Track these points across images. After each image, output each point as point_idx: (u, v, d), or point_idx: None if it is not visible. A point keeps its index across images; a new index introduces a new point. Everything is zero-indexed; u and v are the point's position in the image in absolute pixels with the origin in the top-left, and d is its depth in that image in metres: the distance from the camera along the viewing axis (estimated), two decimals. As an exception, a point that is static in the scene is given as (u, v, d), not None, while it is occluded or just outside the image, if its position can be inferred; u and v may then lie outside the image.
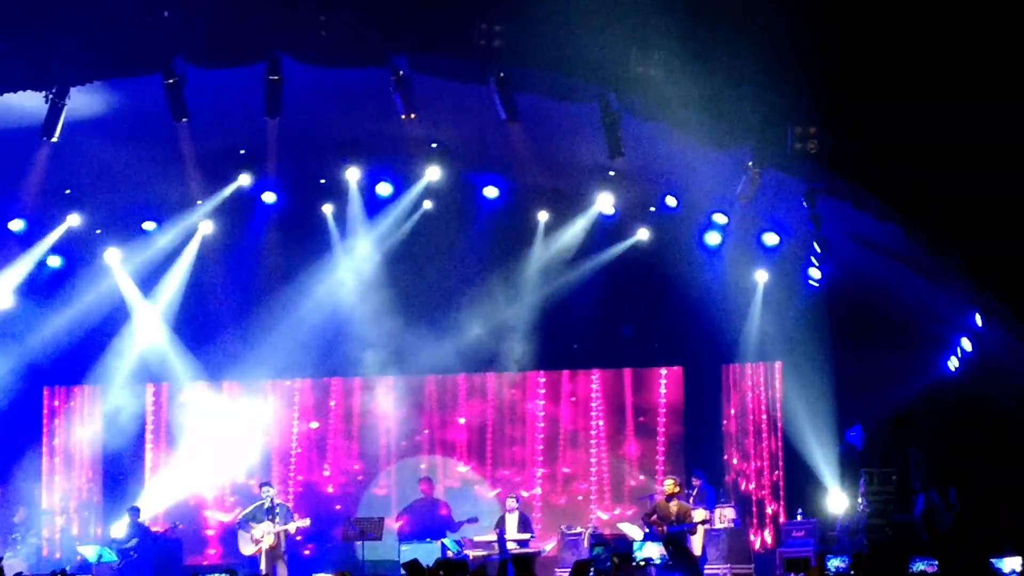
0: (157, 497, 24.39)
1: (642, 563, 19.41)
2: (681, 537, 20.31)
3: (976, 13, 15.97)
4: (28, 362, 23.84)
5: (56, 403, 25.21)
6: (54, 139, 17.27)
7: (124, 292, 23.97)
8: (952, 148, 16.43)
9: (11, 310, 23.34)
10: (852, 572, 12.86)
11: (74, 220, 22.74)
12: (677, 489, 20.79)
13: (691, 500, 21.62)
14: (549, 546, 23.09)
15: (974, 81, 16.18)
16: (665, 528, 20.31)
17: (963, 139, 16.32)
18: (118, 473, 24.78)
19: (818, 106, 16.81)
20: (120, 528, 22.72)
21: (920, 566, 16.35)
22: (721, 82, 16.79)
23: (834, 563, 12.35)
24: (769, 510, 23.99)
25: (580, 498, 24.92)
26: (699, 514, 20.78)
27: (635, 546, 19.71)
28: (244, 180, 21.81)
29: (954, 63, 16.14)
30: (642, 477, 24.76)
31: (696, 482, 22.59)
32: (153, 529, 23.01)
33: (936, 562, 16.02)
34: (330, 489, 25.20)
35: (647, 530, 20.57)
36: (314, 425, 25.31)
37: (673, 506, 20.53)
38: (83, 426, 24.94)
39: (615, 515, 24.36)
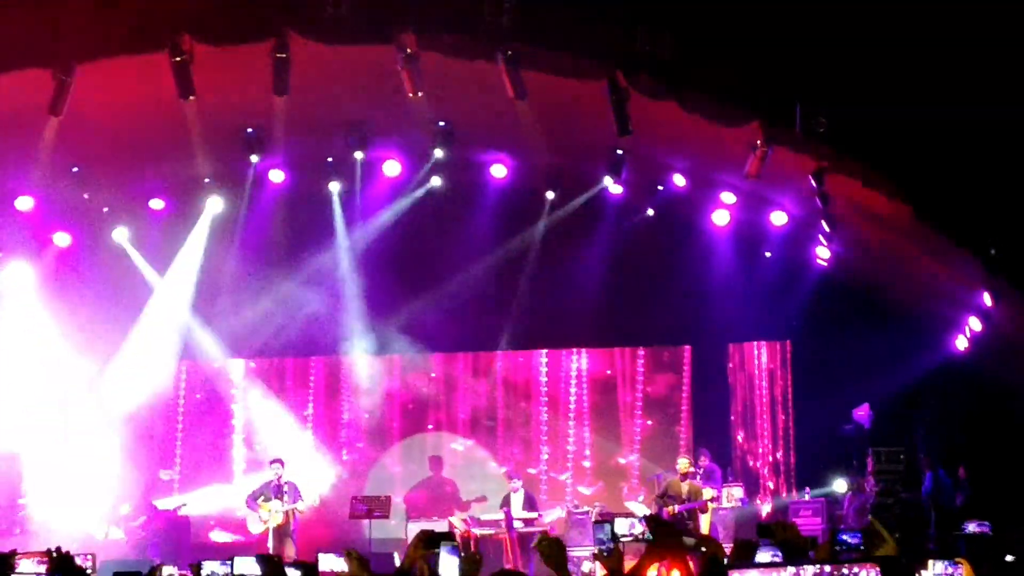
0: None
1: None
2: (690, 516, 20.32)
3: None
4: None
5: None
6: (60, 116, 17.26)
7: (139, 270, 23.99)
8: (962, 127, 16.39)
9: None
10: (863, 548, 12.80)
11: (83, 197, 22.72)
12: (691, 469, 20.81)
13: (698, 479, 21.64)
14: (550, 517, 23.01)
15: (986, 60, 16.14)
16: (676, 508, 20.32)
17: (973, 117, 16.28)
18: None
19: (827, 84, 16.77)
20: (128, 506, 22.76)
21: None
22: (729, 60, 16.76)
23: (846, 538, 12.28)
24: (773, 486, 24.06)
25: (586, 476, 24.94)
26: (708, 492, 20.80)
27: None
28: (253, 158, 21.75)
29: (965, 41, 16.09)
30: (648, 456, 24.79)
31: (703, 460, 22.60)
32: (160, 507, 23.04)
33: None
34: (337, 468, 25.23)
35: (656, 510, 20.59)
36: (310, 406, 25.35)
37: (685, 486, 20.55)
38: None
39: (623, 494, 24.39)
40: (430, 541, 8.23)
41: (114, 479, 23.69)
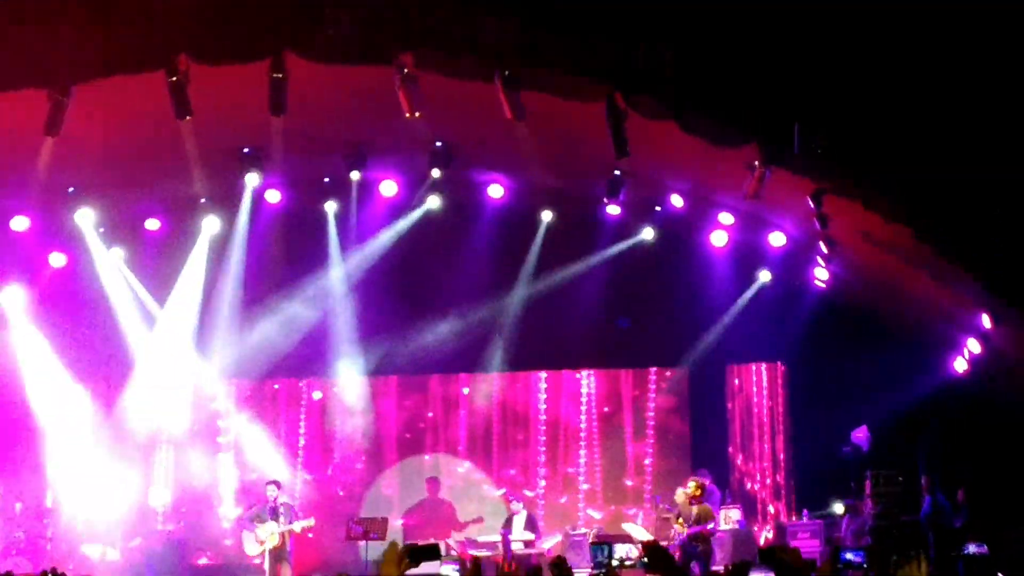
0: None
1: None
2: (699, 539, 20.18)
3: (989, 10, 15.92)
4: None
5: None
6: (56, 136, 17.20)
7: (132, 291, 23.90)
8: (961, 148, 16.36)
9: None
10: (866, 566, 12.77)
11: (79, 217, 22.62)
12: (699, 492, 20.63)
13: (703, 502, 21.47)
14: (548, 543, 22.93)
15: (984, 80, 16.12)
16: (685, 531, 20.17)
17: (972, 138, 16.25)
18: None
19: (826, 105, 16.73)
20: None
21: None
22: (728, 81, 16.72)
23: (849, 557, 12.24)
24: (773, 510, 23.96)
25: (583, 498, 24.85)
26: (735, 513, 20.92)
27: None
28: (252, 180, 21.67)
29: (965, 60, 16.07)
30: (646, 478, 24.70)
31: (703, 482, 22.48)
32: (158, 528, 22.94)
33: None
34: (338, 490, 25.12)
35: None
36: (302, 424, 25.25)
37: (695, 509, 20.38)
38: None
39: (620, 516, 24.28)
40: (414, 555, 8.12)
41: (110, 501, 23.60)
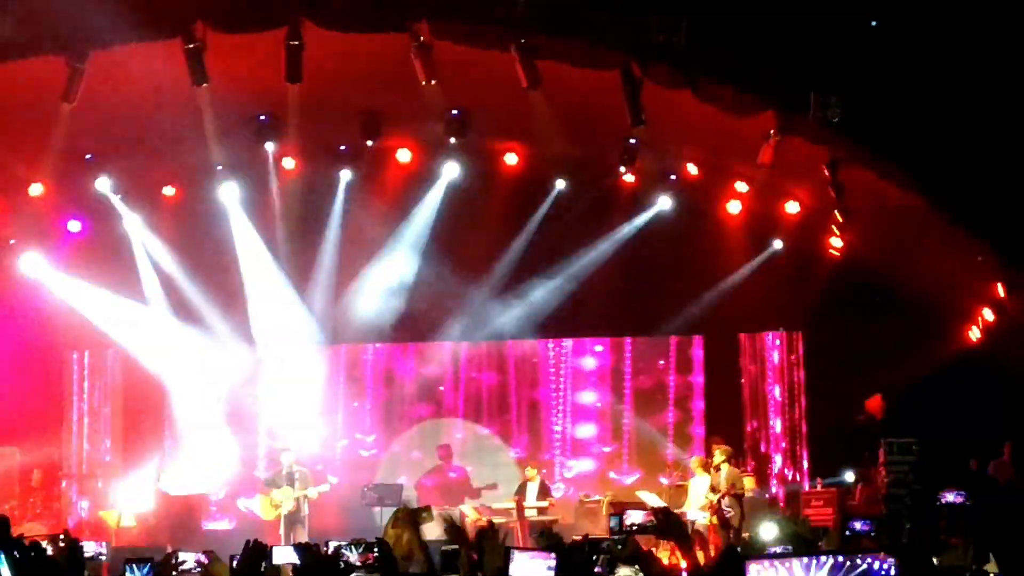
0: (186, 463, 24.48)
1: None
2: (731, 504, 20.22)
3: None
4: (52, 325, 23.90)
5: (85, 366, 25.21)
6: (73, 104, 17.27)
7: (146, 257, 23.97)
8: (976, 116, 16.35)
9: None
10: (874, 535, 12.79)
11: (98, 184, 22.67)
12: (724, 459, 20.58)
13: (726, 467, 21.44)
14: (564, 510, 23.01)
15: (999, 48, 16.09)
16: (715, 498, 20.21)
17: (987, 107, 16.23)
18: (138, 438, 24.76)
19: (841, 74, 16.72)
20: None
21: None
22: (744, 49, 16.71)
23: (856, 526, 12.27)
24: (788, 478, 24.05)
25: (598, 465, 24.91)
26: (750, 481, 20.88)
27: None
28: (269, 147, 21.72)
29: (979, 27, 16.04)
30: (663, 445, 24.74)
31: (716, 445, 22.50)
32: (172, 494, 23.06)
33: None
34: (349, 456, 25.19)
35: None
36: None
37: (724, 475, 20.35)
38: (108, 390, 24.92)
39: (634, 483, 24.33)
40: (411, 516, 8.18)
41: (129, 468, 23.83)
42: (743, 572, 5.90)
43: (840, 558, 5.73)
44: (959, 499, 16.83)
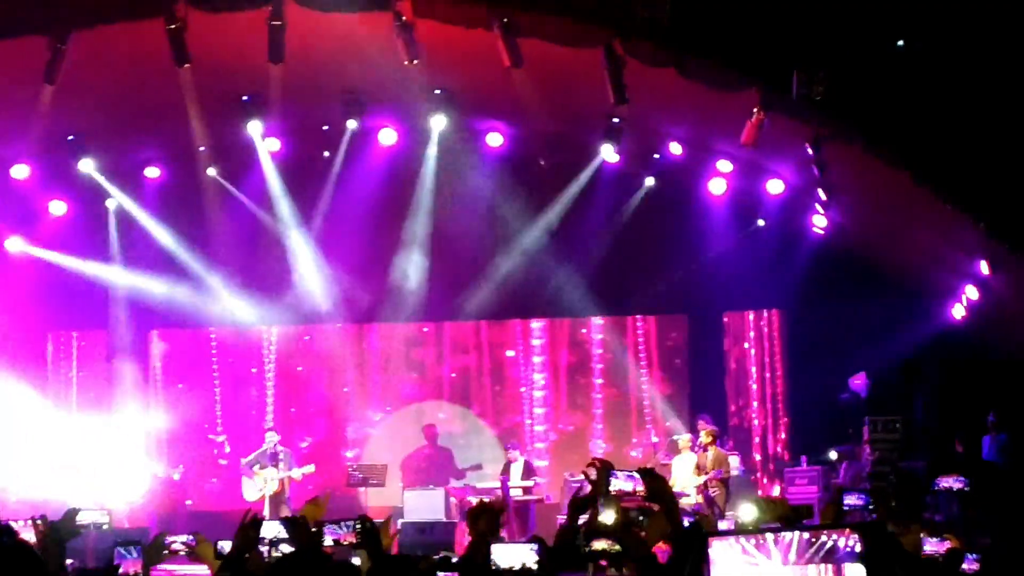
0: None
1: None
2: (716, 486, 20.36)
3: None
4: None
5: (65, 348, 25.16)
6: (55, 84, 17.21)
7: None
8: (961, 92, 16.35)
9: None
10: (871, 508, 12.74)
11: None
12: (710, 439, 20.75)
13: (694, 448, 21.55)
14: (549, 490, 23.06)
15: (984, 24, 16.08)
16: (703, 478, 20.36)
17: (972, 82, 16.23)
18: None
19: (825, 50, 16.70)
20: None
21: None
22: (727, 25, 16.69)
23: (851, 500, 12.21)
24: (770, 455, 24.11)
25: (581, 444, 24.91)
26: (733, 460, 20.95)
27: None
28: (253, 128, 21.68)
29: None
30: (646, 424, 24.78)
31: (702, 427, 22.55)
32: (157, 475, 23.04)
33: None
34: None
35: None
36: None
37: (709, 455, 20.52)
38: (88, 372, 24.90)
39: (622, 459, 24.37)
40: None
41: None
42: (705, 550, 5.92)
43: (806, 535, 5.73)
44: (959, 484, 16.82)
